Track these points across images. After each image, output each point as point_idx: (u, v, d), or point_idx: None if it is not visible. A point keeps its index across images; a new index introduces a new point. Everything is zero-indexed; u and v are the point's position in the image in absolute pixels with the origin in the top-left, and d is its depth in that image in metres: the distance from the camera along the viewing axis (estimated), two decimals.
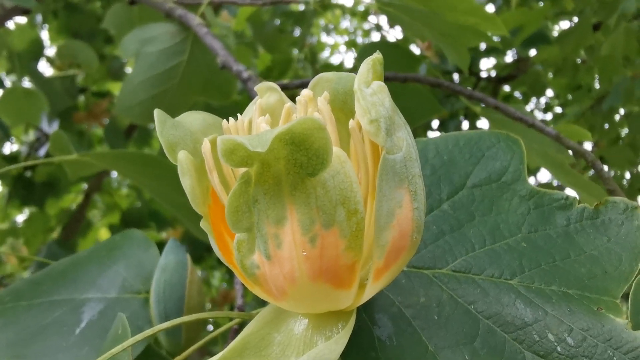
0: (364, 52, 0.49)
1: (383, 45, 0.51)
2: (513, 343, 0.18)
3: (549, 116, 2.73)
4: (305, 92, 0.15)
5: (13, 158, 1.71)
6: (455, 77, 2.36)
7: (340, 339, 0.13)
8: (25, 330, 0.24)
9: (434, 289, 0.19)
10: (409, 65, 0.49)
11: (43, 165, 1.76)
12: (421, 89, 0.52)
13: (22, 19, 1.41)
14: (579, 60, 1.89)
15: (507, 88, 2.54)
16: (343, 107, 0.16)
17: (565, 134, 0.36)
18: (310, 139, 0.11)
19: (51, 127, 1.61)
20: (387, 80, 0.45)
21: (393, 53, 0.51)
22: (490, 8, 2.03)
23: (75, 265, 0.27)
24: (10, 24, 1.30)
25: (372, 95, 0.13)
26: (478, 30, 0.47)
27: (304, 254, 0.12)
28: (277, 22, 1.64)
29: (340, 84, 0.16)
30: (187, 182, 0.13)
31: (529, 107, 2.91)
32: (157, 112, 0.15)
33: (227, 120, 0.16)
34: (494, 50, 2.24)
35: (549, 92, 2.62)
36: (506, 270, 0.19)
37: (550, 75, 2.28)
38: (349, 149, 0.14)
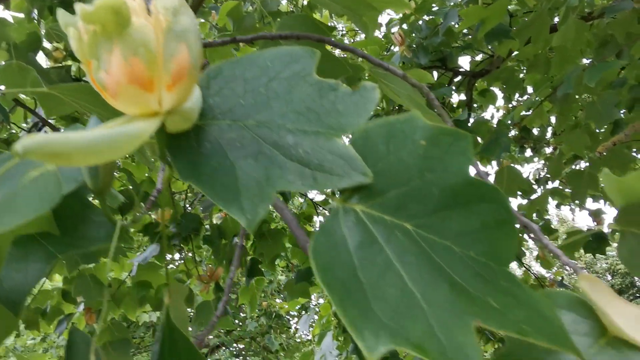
0: (282, 23, 0.62)
1: (299, 17, 0.64)
2: (281, 156, 0.30)
3: (530, 113, 2.84)
4: None
5: (12, 142, 1.82)
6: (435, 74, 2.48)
7: (152, 124, 0.26)
8: None
9: (242, 131, 0.32)
10: (322, 33, 0.62)
11: None
12: (334, 55, 0.64)
13: (19, 14, 1.54)
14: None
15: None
16: None
17: (412, 76, 0.48)
18: (121, 9, 0.23)
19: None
20: (305, 38, 0.57)
21: (308, 23, 0.63)
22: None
23: None
24: (9, 17, 1.43)
25: None
26: (371, 5, 0.59)
27: (124, 69, 0.24)
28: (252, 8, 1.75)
29: None
30: (73, 43, 0.26)
31: (511, 105, 3.02)
32: (59, 11, 0.27)
33: None
34: (469, 47, 2.35)
35: (531, 90, 2.73)
36: (278, 118, 0.32)
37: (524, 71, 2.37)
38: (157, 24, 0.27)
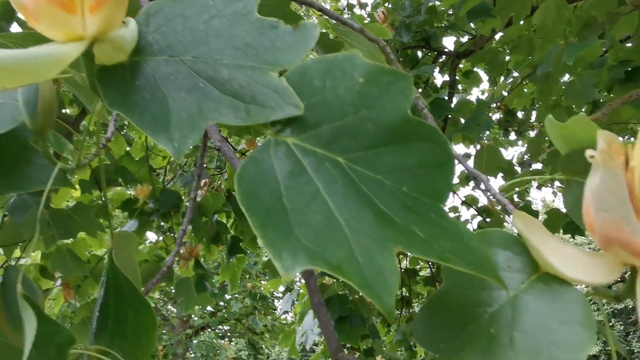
0: None
1: None
2: (216, 90, 0.30)
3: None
4: None
5: None
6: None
7: (77, 47, 0.25)
8: None
9: (177, 66, 0.31)
10: None
11: None
12: (292, 9, 0.64)
13: None
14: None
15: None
16: None
17: (370, 30, 0.48)
18: None
19: None
20: None
21: None
22: None
23: None
24: None
25: None
26: None
27: None
28: None
29: None
30: None
31: (495, 88, 3.01)
32: None
33: None
34: (453, 27, 2.34)
35: (517, 74, 2.73)
36: (215, 54, 0.31)
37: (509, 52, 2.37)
38: None
